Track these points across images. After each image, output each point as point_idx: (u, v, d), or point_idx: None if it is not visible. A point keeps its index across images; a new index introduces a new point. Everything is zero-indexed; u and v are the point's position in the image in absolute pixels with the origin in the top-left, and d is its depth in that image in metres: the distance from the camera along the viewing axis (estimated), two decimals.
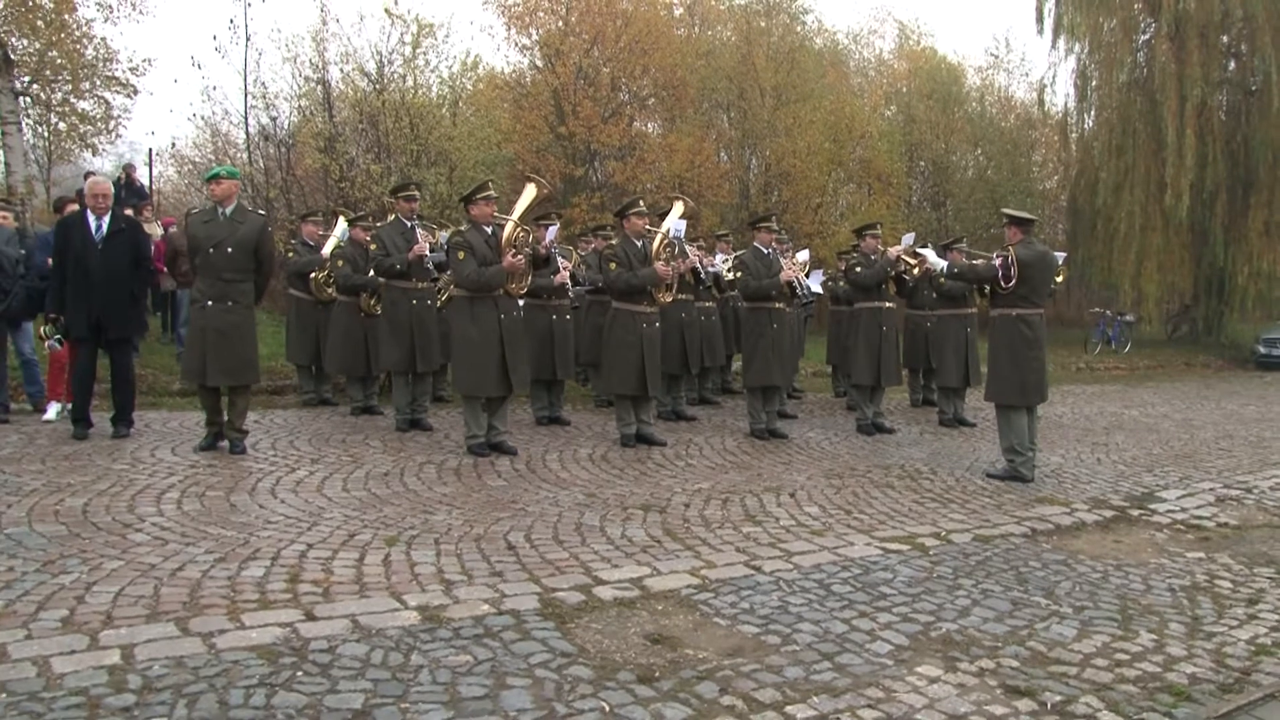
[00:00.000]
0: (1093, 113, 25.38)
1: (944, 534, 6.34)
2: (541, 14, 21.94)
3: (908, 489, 7.62)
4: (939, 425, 11.08)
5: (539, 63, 22.28)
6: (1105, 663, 4.30)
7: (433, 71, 19.12)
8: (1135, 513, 7.18)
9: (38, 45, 16.48)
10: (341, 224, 10.79)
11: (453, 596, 4.78)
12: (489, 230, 8.25)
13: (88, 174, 17.37)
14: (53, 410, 9.27)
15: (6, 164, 16.69)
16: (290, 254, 11.15)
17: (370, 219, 11.15)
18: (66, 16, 16.52)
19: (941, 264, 9.01)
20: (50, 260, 9.08)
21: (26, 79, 16.82)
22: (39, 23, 16.24)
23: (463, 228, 8.58)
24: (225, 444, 8.07)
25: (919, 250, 10.11)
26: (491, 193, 8.45)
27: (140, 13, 17.52)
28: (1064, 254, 12.38)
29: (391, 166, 16.78)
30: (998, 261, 8.19)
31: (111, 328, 8.26)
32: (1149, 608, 5.06)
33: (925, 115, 26.95)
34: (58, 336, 8.54)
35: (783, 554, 5.71)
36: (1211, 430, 11.72)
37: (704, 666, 4.07)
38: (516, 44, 22.98)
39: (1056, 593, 5.24)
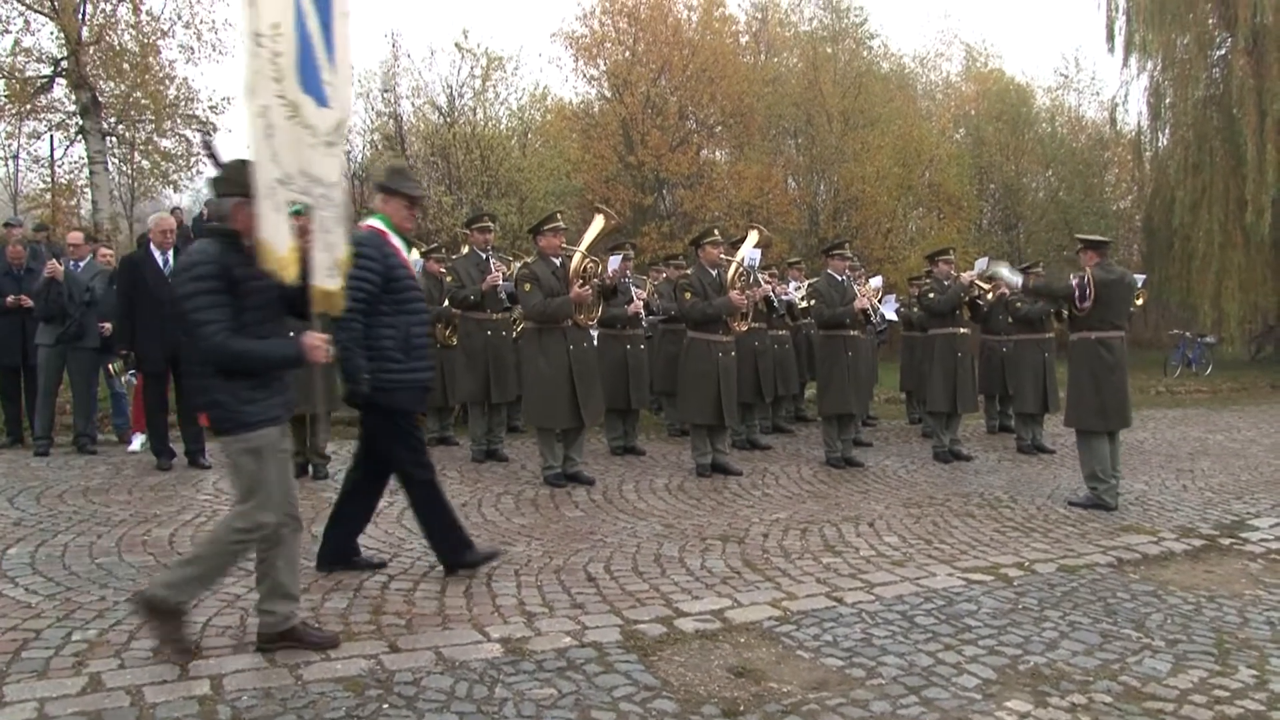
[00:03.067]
0: (1167, 130, 24.86)
1: (1027, 564, 6.22)
2: (609, 45, 22.16)
3: (988, 518, 7.50)
4: (1017, 452, 10.90)
5: (607, 93, 22.49)
6: (1203, 699, 4.17)
7: (502, 104, 19.42)
8: (1226, 542, 6.98)
9: (124, 87, 17.02)
10: (415, 256, 10.90)
11: (535, 628, 4.80)
12: (557, 261, 8.31)
13: (173, 210, 17.88)
14: (137, 442, 9.51)
15: (94, 202, 17.22)
16: None
17: (444, 251, 11.29)
18: (150, 59, 17.04)
19: (1017, 280, 8.89)
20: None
21: (113, 120, 17.36)
22: (125, 66, 16.78)
23: (530, 259, 8.66)
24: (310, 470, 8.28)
25: (996, 267, 9.98)
26: (559, 224, 8.51)
27: (220, 53, 18.03)
28: (1143, 275, 12.14)
29: (463, 198, 17.03)
30: (1074, 281, 8.06)
31: (184, 360, 8.47)
32: (1246, 641, 4.91)
33: (994, 137, 26.68)
34: (131, 371, 8.74)
35: (864, 585, 5.65)
36: None
37: (789, 700, 4.03)
38: (584, 75, 23.25)
39: (1147, 625, 5.11)
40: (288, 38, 3.89)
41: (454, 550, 5.59)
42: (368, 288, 5.09)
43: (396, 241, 5.32)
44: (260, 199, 3.89)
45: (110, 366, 9.55)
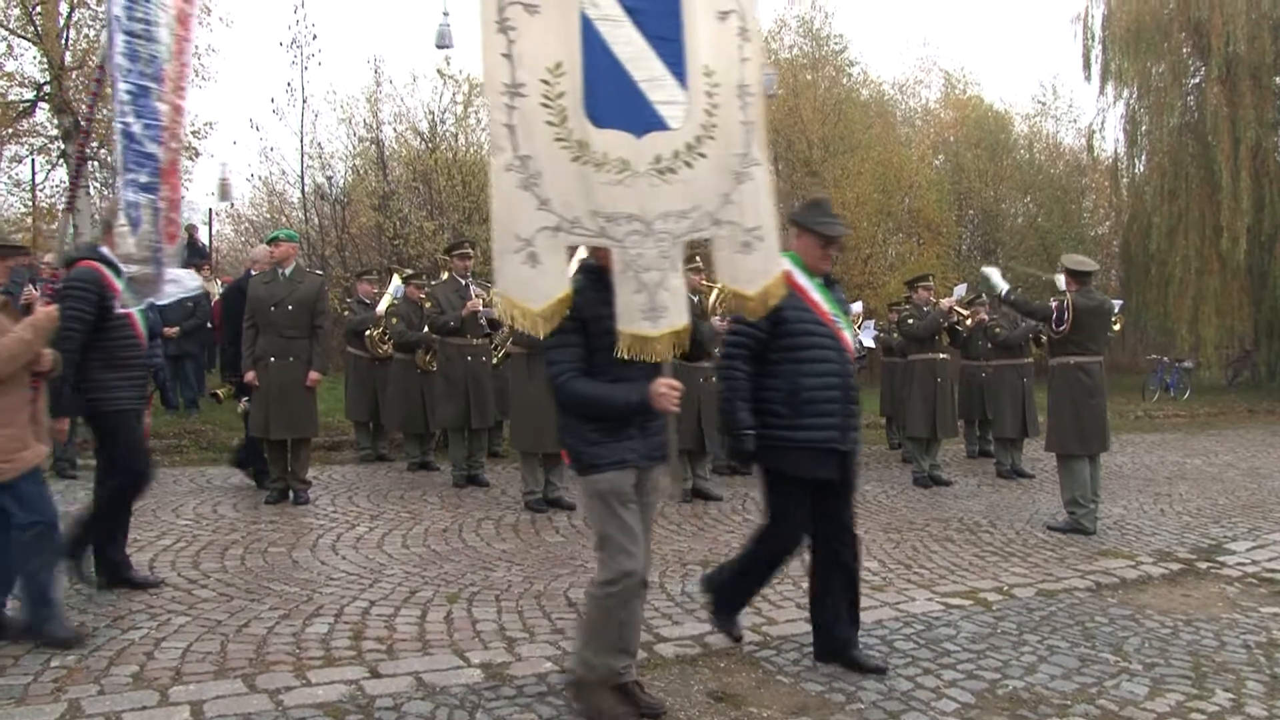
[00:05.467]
0: (1143, 157, 25.18)
1: (1006, 589, 6.26)
2: None
3: (967, 542, 7.54)
4: (997, 477, 10.96)
5: None
6: None
7: (484, 130, 19.39)
8: (1203, 565, 7.04)
9: (106, 112, 16.98)
10: (396, 281, 10.97)
11: (515, 654, 4.80)
12: None
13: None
14: None
15: (75, 226, 17.16)
16: (346, 312, 11.34)
17: (424, 276, 11.31)
18: None
19: (1004, 287, 8.97)
20: None
21: (95, 144, 17.33)
22: (107, 90, 16.74)
23: None
24: (291, 496, 8.27)
25: (985, 270, 10.06)
26: None
27: (203, 79, 18.01)
28: (1120, 301, 12.25)
29: (445, 224, 17.05)
30: (1054, 304, 8.16)
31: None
32: (1223, 665, 4.95)
33: (973, 164, 26.89)
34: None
35: None
36: None
37: None
38: None
39: (1125, 649, 5.15)
40: (572, 75, 3.62)
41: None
42: (751, 332, 4.57)
43: (803, 280, 4.67)
44: (501, 253, 3.63)
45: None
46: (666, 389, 3.80)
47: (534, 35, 3.57)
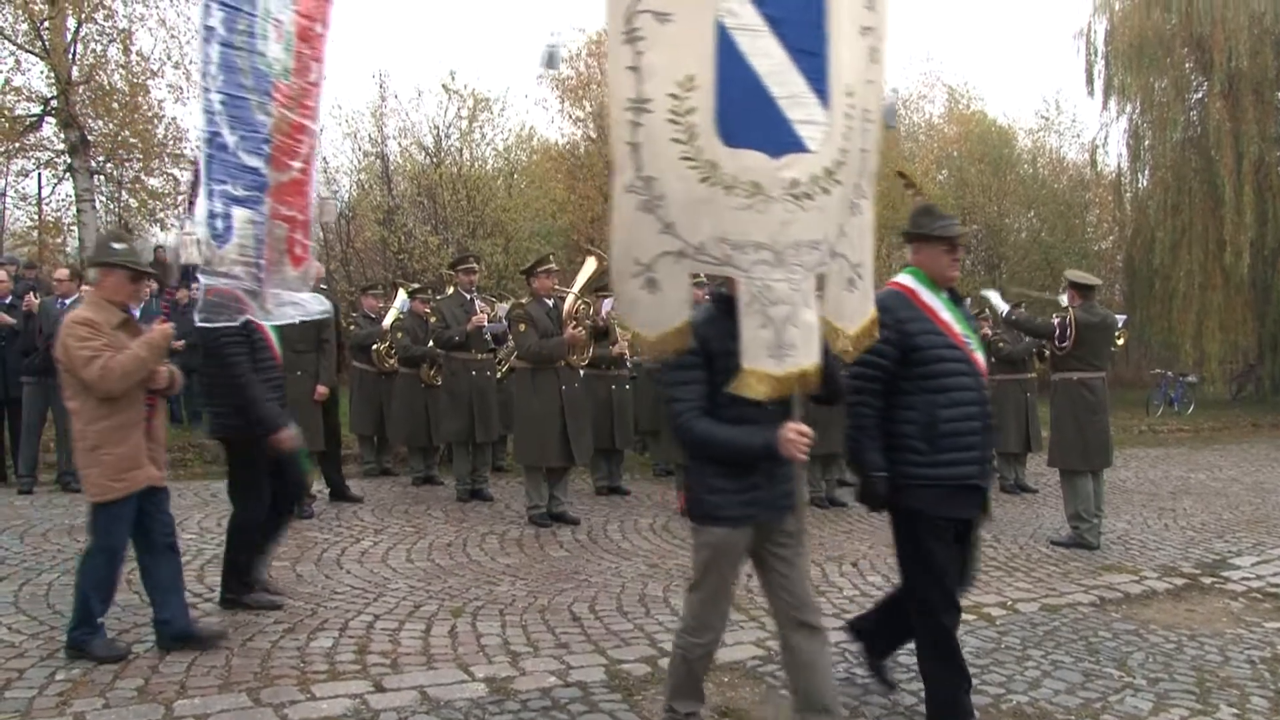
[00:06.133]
0: (1147, 172, 25.20)
1: (1010, 603, 6.26)
2: (595, 86, 22.34)
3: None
4: (1000, 492, 10.93)
5: (593, 134, 22.66)
6: None
7: (488, 144, 19.52)
8: (1208, 581, 7.04)
9: (112, 126, 17.10)
10: (401, 296, 11.00)
11: (519, 668, 4.81)
12: (550, 303, 8.39)
13: (157, 248, 17.91)
14: None
15: (81, 240, 17.25)
16: (351, 326, 11.36)
17: (429, 290, 11.35)
18: (140, 99, 17.14)
19: (1004, 307, 8.98)
20: None
21: (101, 158, 17.44)
22: (114, 105, 16.87)
23: (524, 300, 8.72)
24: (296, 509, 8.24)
25: (985, 293, 10.07)
26: (552, 265, 8.62)
27: None
28: (1124, 316, 12.26)
29: (449, 238, 17.11)
30: (1056, 321, 8.18)
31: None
32: (1228, 680, 4.95)
33: (977, 178, 26.93)
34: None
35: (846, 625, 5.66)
36: None
37: None
38: (570, 116, 23.42)
39: (1129, 664, 5.15)
40: (704, 90, 3.31)
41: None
42: (879, 362, 4.10)
43: (930, 299, 4.27)
44: (619, 276, 3.44)
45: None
46: (796, 435, 3.49)
47: (664, 46, 3.31)
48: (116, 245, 4.93)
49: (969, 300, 4.61)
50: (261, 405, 5.52)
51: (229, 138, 4.90)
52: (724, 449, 3.61)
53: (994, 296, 9.59)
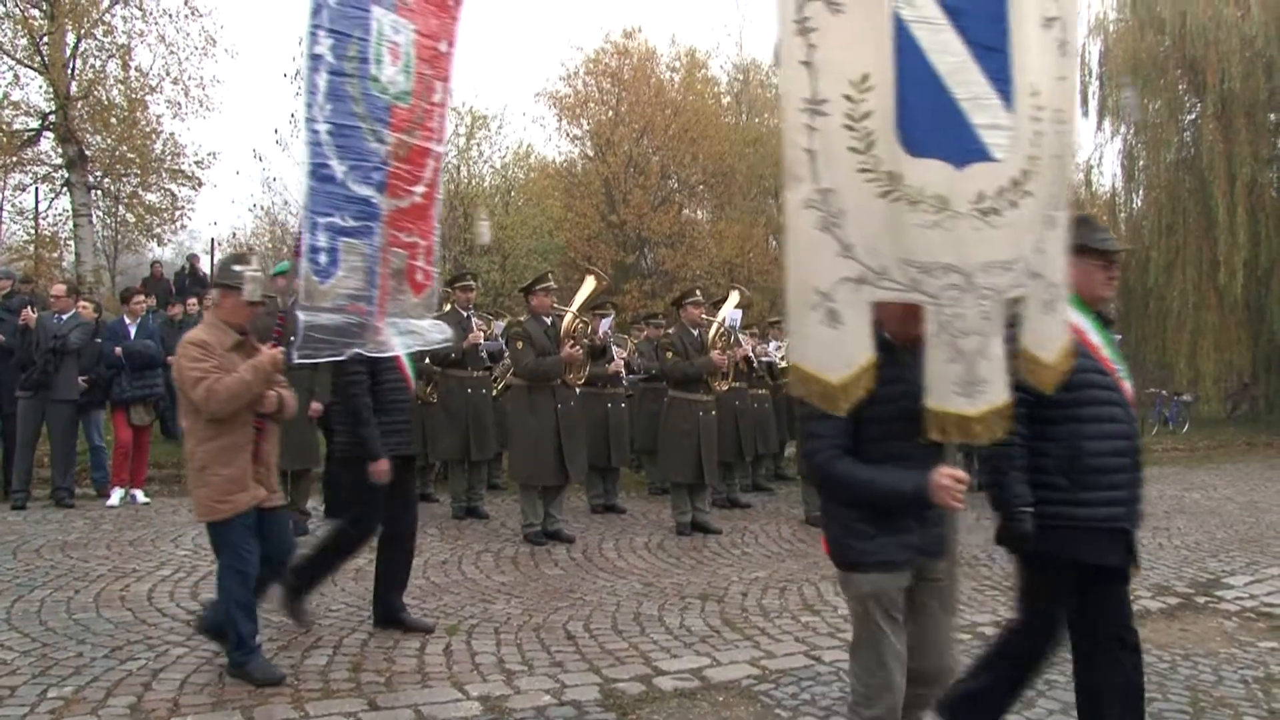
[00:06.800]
0: (1141, 192, 25.35)
1: (1004, 622, 6.25)
2: (592, 105, 22.45)
3: (966, 577, 7.53)
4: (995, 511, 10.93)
5: (590, 152, 22.75)
6: None
7: (486, 162, 19.55)
8: (1201, 600, 7.04)
9: (110, 141, 17.16)
10: None
11: (514, 687, 4.80)
12: (548, 321, 8.41)
13: (154, 263, 17.96)
14: (116, 496, 9.47)
15: (77, 254, 17.27)
16: None
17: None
18: (138, 115, 17.20)
19: None
20: (118, 350, 9.41)
21: (99, 173, 17.48)
22: (112, 120, 16.93)
23: (521, 318, 8.74)
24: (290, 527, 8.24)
25: None
26: (551, 284, 8.64)
27: (207, 109, 18.18)
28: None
29: (446, 255, 17.13)
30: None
31: None
32: (1221, 700, 4.95)
33: None
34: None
35: (842, 644, 5.65)
36: (1278, 513, 11.47)
37: None
38: (568, 134, 23.49)
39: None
40: (882, 90, 2.96)
41: None
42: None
43: (1079, 319, 3.76)
44: (797, 309, 3.05)
45: None
46: (950, 481, 3.11)
47: (838, 39, 2.96)
48: (236, 267, 4.91)
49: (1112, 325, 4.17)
50: (367, 429, 5.47)
51: (337, 168, 4.68)
52: (867, 493, 3.25)
53: None
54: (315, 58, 4.62)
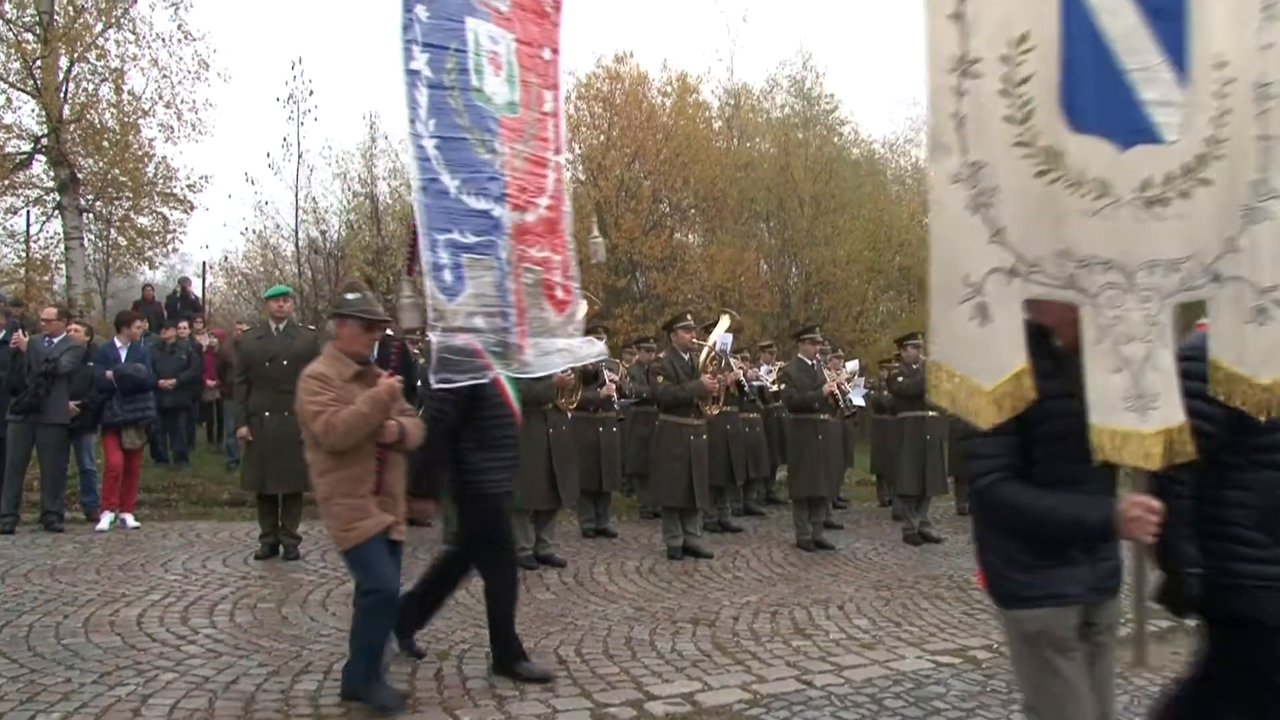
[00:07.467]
0: None
1: (996, 646, 6.25)
2: (584, 129, 22.51)
3: (957, 600, 7.55)
4: None
5: (581, 176, 22.79)
6: None
7: None
8: (1193, 623, 7.03)
9: (102, 165, 17.18)
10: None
11: (506, 712, 4.79)
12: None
13: (145, 286, 17.94)
14: (106, 520, 9.43)
15: (68, 277, 17.25)
16: None
17: (419, 332, 11.35)
18: (130, 138, 17.22)
19: None
20: (109, 373, 9.39)
21: (91, 196, 17.48)
22: (105, 143, 16.95)
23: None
24: (281, 551, 8.24)
25: None
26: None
27: (199, 133, 18.20)
28: None
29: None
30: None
31: None
32: None
33: None
34: None
35: (833, 668, 5.67)
36: None
37: None
38: None
39: (1115, 707, 5.14)
40: (1043, 53, 2.61)
41: None
42: (1202, 427, 2.93)
43: None
44: (942, 301, 2.69)
45: None
46: (1142, 511, 2.66)
47: None
48: (350, 296, 4.87)
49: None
50: (429, 465, 5.27)
51: (449, 182, 4.52)
52: (1044, 522, 2.79)
53: None
54: (412, 73, 4.50)
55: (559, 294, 4.95)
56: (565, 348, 4.97)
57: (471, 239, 4.52)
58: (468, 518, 5.53)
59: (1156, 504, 2.66)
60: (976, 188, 2.60)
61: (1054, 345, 2.81)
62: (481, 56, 4.66)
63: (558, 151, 5.04)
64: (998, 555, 2.92)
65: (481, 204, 4.58)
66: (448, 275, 4.43)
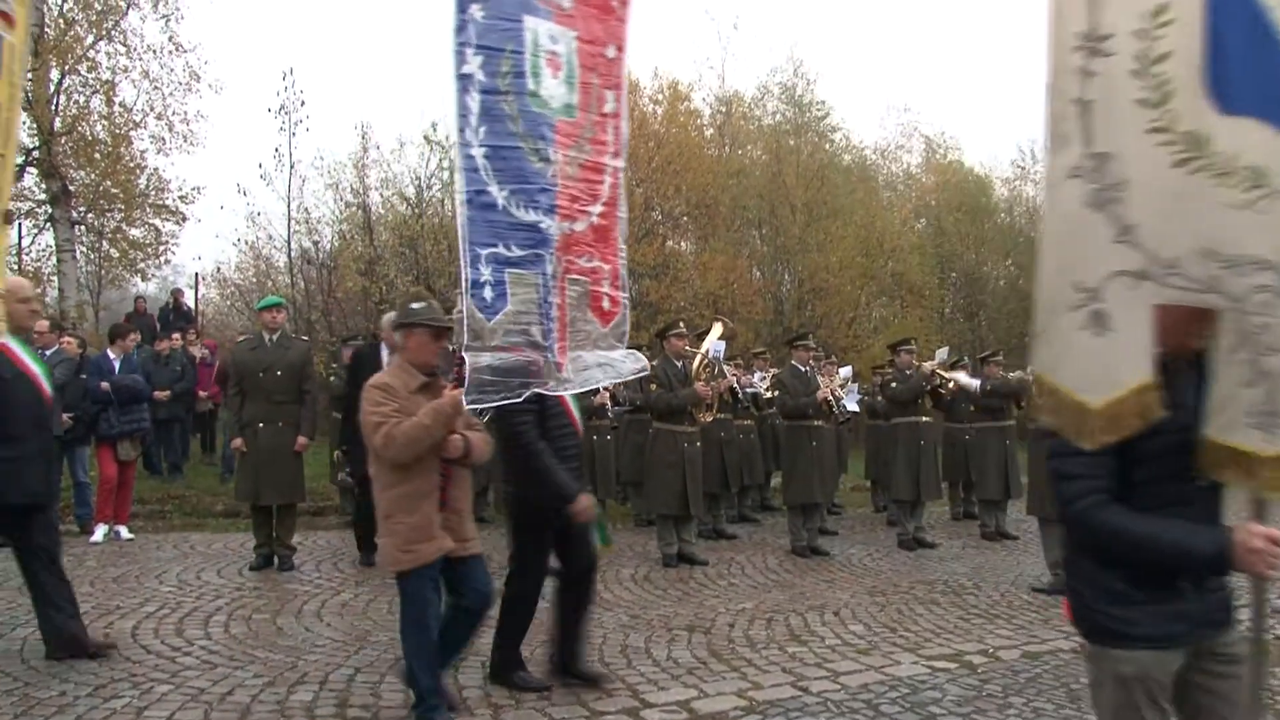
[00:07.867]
0: None
1: (992, 651, 6.27)
2: None
3: (952, 605, 7.55)
4: (981, 539, 10.98)
5: None
6: None
7: None
8: None
9: (94, 177, 17.17)
10: (383, 349, 10.98)
11: None
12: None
13: (138, 298, 17.92)
14: (100, 532, 9.41)
15: (61, 290, 17.23)
16: (332, 378, 11.35)
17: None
18: (122, 150, 17.22)
19: (974, 384, 9.06)
20: (104, 385, 9.38)
21: (83, 209, 17.47)
22: (96, 156, 16.94)
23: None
24: (276, 562, 8.23)
25: (952, 373, 10.18)
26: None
27: (191, 144, 18.20)
28: None
29: (431, 289, 17.13)
30: (1031, 374, 8.26)
31: None
32: None
33: (955, 227, 27.25)
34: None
35: (829, 674, 5.67)
36: None
37: None
38: None
39: None
40: (1185, 26, 2.31)
41: None
42: None
43: None
44: (1050, 306, 2.47)
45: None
46: (1264, 543, 2.36)
47: None
48: (415, 305, 4.73)
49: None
50: (555, 475, 5.13)
51: (497, 194, 4.32)
52: (1147, 550, 2.50)
53: (962, 377, 9.69)
54: (464, 78, 4.27)
55: (606, 304, 4.80)
56: (607, 361, 4.83)
57: (517, 253, 4.37)
58: (518, 529, 5.46)
59: (1279, 534, 2.37)
60: (1100, 182, 2.35)
61: (1158, 354, 2.44)
62: (539, 57, 4.45)
63: (616, 155, 4.83)
64: (1091, 586, 2.62)
65: (530, 216, 4.42)
66: (488, 292, 4.28)
